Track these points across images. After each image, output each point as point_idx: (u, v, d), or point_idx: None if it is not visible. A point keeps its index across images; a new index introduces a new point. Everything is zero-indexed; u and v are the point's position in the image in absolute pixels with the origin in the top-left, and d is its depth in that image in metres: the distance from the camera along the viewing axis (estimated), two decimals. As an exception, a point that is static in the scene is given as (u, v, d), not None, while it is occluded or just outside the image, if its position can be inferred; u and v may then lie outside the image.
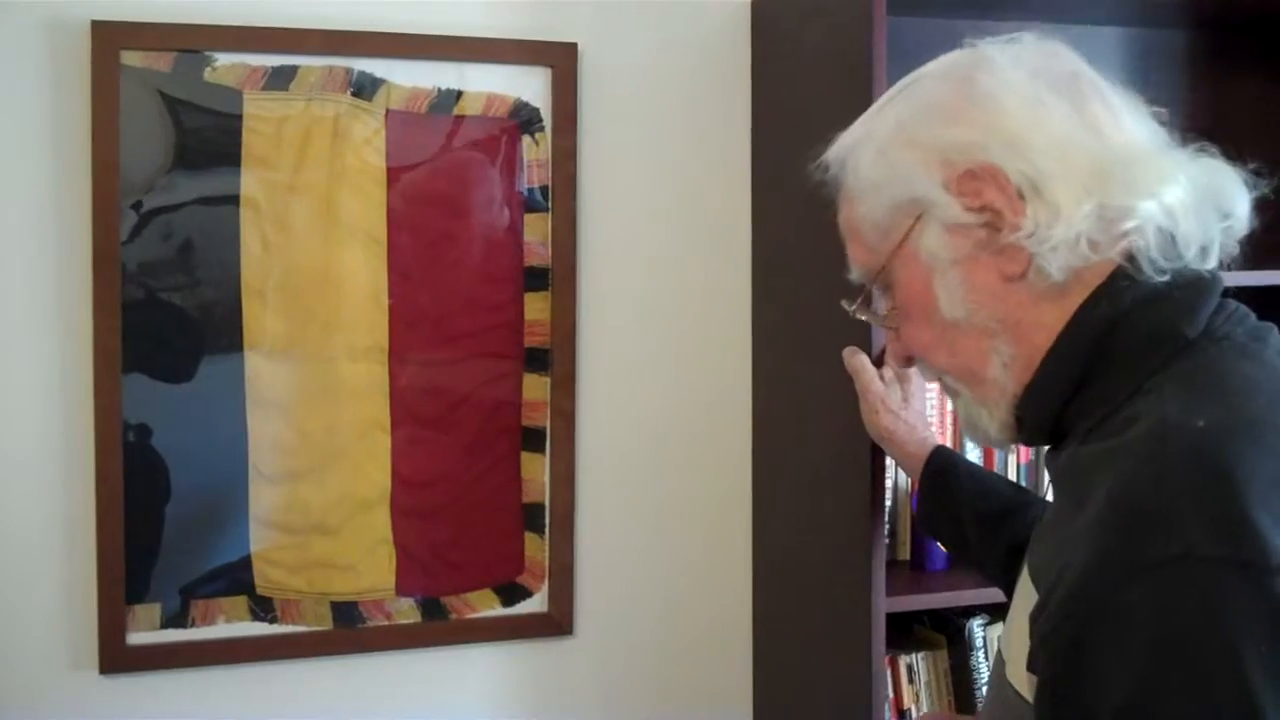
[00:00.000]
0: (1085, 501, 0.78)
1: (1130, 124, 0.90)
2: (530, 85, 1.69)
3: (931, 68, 0.96)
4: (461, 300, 1.68)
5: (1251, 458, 0.73)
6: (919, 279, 0.93)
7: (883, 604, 1.44)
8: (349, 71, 1.62)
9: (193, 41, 1.56)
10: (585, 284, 1.74)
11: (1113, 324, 0.86)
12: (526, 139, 1.69)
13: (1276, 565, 0.69)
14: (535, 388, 1.72)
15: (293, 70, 1.60)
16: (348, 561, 1.67)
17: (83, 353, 1.56)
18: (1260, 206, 0.91)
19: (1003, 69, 0.90)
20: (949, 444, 1.44)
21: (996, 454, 1.67)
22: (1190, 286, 0.86)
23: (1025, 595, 0.86)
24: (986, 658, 1.62)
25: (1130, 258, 0.86)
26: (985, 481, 1.29)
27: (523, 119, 1.69)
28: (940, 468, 1.30)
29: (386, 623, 1.69)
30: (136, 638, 1.60)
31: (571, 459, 1.74)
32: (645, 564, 1.80)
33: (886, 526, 1.53)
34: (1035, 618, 0.79)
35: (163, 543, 1.60)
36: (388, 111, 1.64)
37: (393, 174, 1.65)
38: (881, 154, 0.93)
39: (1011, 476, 1.69)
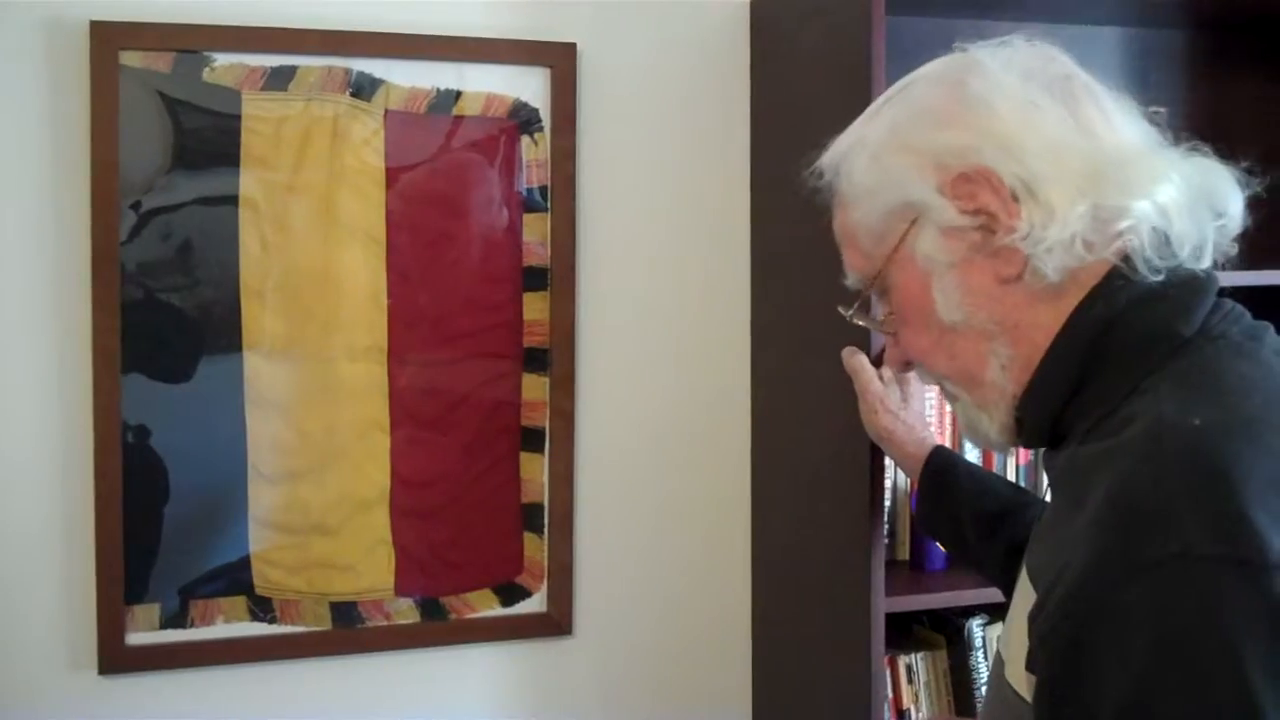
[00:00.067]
0: (1083, 502, 0.78)
1: (1123, 125, 0.90)
2: (529, 85, 1.69)
3: (923, 72, 0.96)
4: (460, 300, 1.68)
5: (1248, 456, 0.73)
6: (915, 283, 0.93)
7: (882, 604, 1.44)
8: (348, 72, 1.62)
9: (192, 42, 1.56)
10: (584, 284, 1.74)
11: (1109, 324, 0.86)
12: (525, 139, 1.69)
13: (1274, 563, 0.69)
14: (534, 388, 1.72)
15: (292, 70, 1.60)
16: (347, 562, 1.67)
17: (82, 353, 1.56)
18: (1255, 206, 0.91)
19: (994, 72, 0.91)
20: (948, 444, 1.44)
21: (996, 454, 1.67)
22: (1185, 286, 0.86)
23: (1024, 595, 0.86)
24: (986, 658, 1.62)
25: (1125, 258, 0.86)
26: (984, 482, 1.29)
27: (522, 119, 1.69)
28: (939, 468, 1.30)
29: (385, 623, 1.69)
30: (135, 638, 1.60)
31: (570, 459, 1.74)
32: (644, 564, 1.80)
33: (886, 526, 1.53)
34: (1034, 618, 0.79)
35: (162, 543, 1.60)
36: (386, 112, 1.64)
37: (392, 174, 1.65)
38: (875, 159, 0.93)
39: (1011, 477, 1.69)
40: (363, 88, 1.63)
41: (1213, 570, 0.70)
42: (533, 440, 1.73)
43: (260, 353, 1.62)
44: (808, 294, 1.59)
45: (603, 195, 1.75)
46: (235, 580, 1.63)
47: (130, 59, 1.55)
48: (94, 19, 1.53)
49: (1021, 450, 1.69)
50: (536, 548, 1.74)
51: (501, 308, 1.70)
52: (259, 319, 1.61)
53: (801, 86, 1.63)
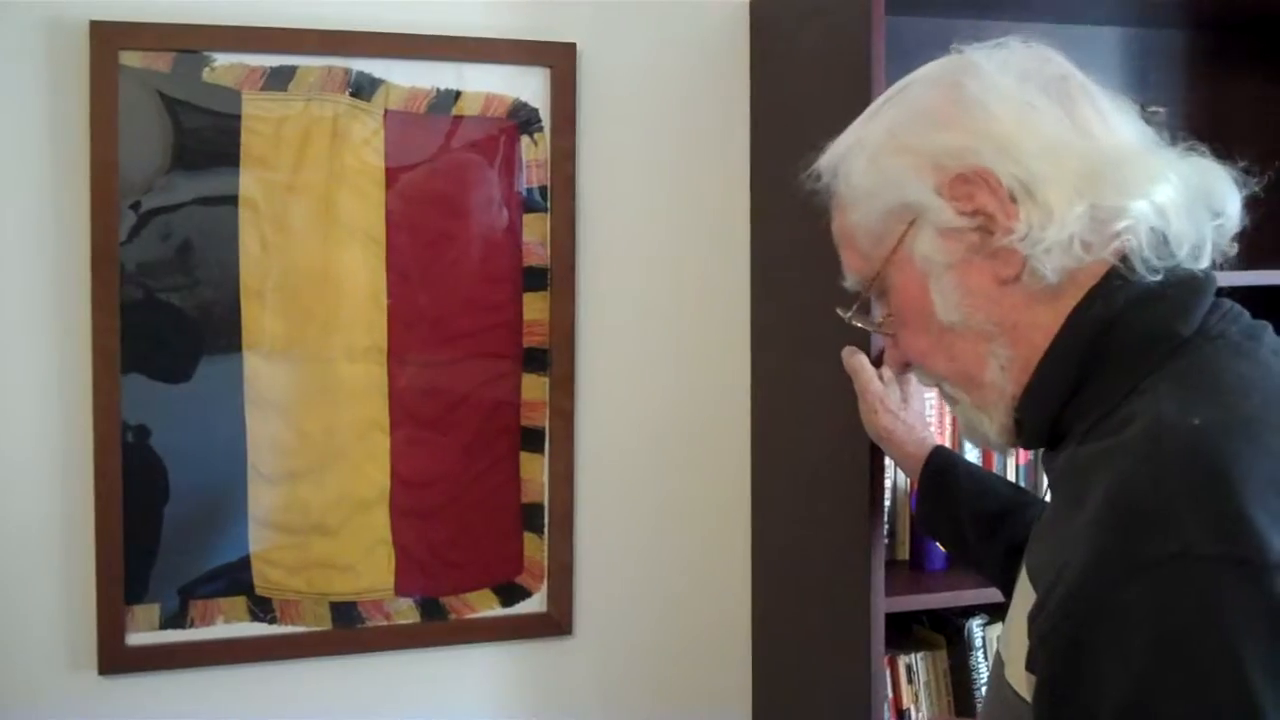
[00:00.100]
0: (1083, 501, 0.78)
1: (1120, 125, 0.91)
2: (529, 85, 1.69)
3: (920, 74, 0.96)
4: (460, 300, 1.68)
5: (1248, 456, 0.73)
6: (914, 284, 0.93)
7: (882, 604, 1.45)
8: (347, 72, 1.62)
9: (191, 42, 1.56)
10: (584, 284, 1.74)
11: (1108, 325, 0.86)
12: (525, 139, 1.69)
13: (1274, 562, 0.70)
14: (534, 388, 1.72)
15: (291, 70, 1.60)
16: (347, 562, 1.67)
17: (81, 353, 1.56)
18: (1253, 205, 0.91)
19: (991, 74, 0.91)
20: (948, 444, 1.44)
21: (995, 454, 1.67)
22: (1184, 285, 0.86)
23: (1024, 595, 0.86)
24: (985, 658, 1.62)
25: (1123, 258, 0.86)
26: (984, 481, 1.29)
27: (521, 119, 1.69)
28: (939, 468, 1.30)
29: (385, 623, 1.69)
30: (135, 638, 1.60)
31: (570, 459, 1.74)
32: (644, 564, 1.80)
33: (885, 526, 1.53)
34: (1034, 617, 0.79)
35: (161, 543, 1.60)
36: (386, 112, 1.64)
37: (391, 174, 1.65)
38: (873, 161, 0.94)
39: (1011, 477, 1.69)
40: (362, 88, 1.63)
41: (1213, 570, 0.70)
42: (532, 440, 1.73)
43: (260, 353, 1.62)
44: (807, 294, 1.59)
45: (602, 195, 1.75)
46: (235, 580, 1.63)
47: (130, 59, 1.55)
48: (94, 19, 1.53)
49: (1021, 450, 1.69)
50: (536, 548, 1.74)
51: (501, 308, 1.70)
52: (259, 319, 1.61)
53: (801, 86, 1.63)
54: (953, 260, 0.90)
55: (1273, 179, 0.94)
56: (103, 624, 1.58)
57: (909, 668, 1.61)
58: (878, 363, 1.37)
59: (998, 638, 1.61)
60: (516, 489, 1.73)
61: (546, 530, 1.74)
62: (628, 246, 1.77)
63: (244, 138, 1.59)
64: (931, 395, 1.56)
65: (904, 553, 1.68)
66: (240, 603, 1.64)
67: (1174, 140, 0.92)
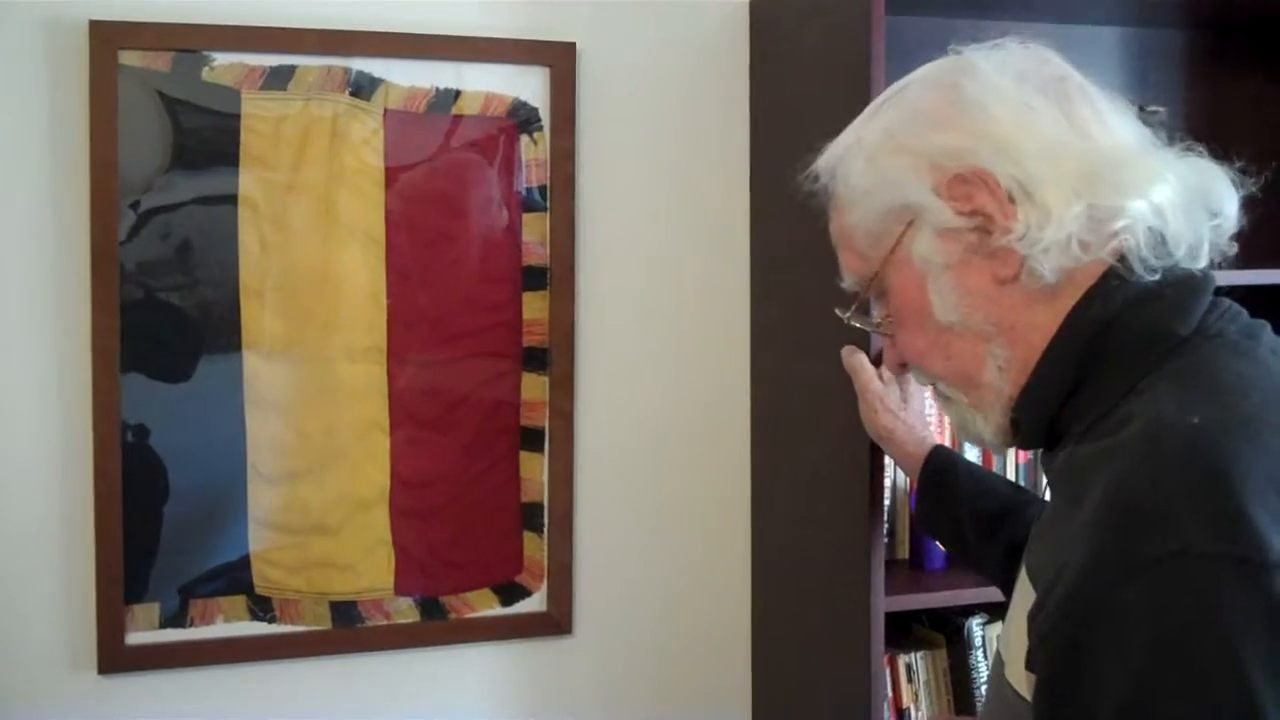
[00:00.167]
0: (1082, 501, 0.78)
1: (1118, 125, 0.91)
2: (528, 85, 1.69)
3: (918, 75, 0.97)
4: (460, 300, 1.68)
5: (1247, 455, 0.73)
6: (912, 284, 0.93)
7: (881, 603, 1.45)
8: (347, 71, 1.62)
9: (191, 41, 1.56)
10: (584, 283, 1.74)
11: (1106, 324, 0.86)
12: (525, 138, 1.69)
13: (1273, 561, 0.70)
14: (534, 387, 1.72)
15: (291, 70, 1.60)
16: (346, 561, 1.67)
17: (81, 352, 1.56)
18: (1252, 205, 0.91)
19: (989, 74, 0.91)
20: (948, 443, 1.44)
21: (995, 454, 1.67)
22: (1182, 285, 0.86)
23: (1023, 595, 0.86)
24: (985, 657, 1.62)
25: (1121, 258, 0.86)
26: (984, 481, 1.29)
27: (521, 119, 1.69)
28: (939, 467, 1.30)
29: (385, 622, 1.69)
30: (135, 637, 1.60)
31: (570, 458, 1.74)
32: (644, 563, 1.80)
33: (885, 526, 1.53)
34: (1033, 617, 0.79)
35: (161, 543, 1.60)
36: (386, 111, 1.64)
37: (391, 174, 1.65)
38: (871, 161, 0.94)
39: (1010, 476, 1.69)
40: (362, 87, 1.63)
41: (1212, 568, 0.70)
42: (532, 440, 1.73)
43: (260, 352, 1.62)
44: (807, 294, 1.59)
45: (602, 195, 1.75)
46: (235, 580, 1.63)
47: (129, 58, 1.55)
48: (93, 18, 1.53)
49: (1020, 449, 1.69)
50: (536, 547, 1.74)
51: (501, 307, 1.70)
52: (258, 319, 1.61)
53: (801, 86, 1.63)
54: (951, 260, 0.91)
55: (1270, 179, 0.94)
56: (102, 623, 1.58)
57: (909, 667, 1.61)
58: (877, 362, 1.37)
59: (997, 637, 1.61)
60: (516, 489, 1.73)
61: (546, 530, 1.74)
62: (627, 246, 1.77)
63: (243, 137, 1.59)
64: (931, 395, 1.57)
65: (904, 552, 1.68)
66: (240, 602, 1.64)
67: (1172, 140, 0.92)
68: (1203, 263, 0.88)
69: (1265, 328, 0.88)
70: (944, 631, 1.66)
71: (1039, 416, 0.91)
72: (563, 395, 1.72)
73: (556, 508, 1.74)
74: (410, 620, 1.70)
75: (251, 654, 1.64)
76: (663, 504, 1.81)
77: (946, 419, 1.63)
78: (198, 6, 1.57)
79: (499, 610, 1.74)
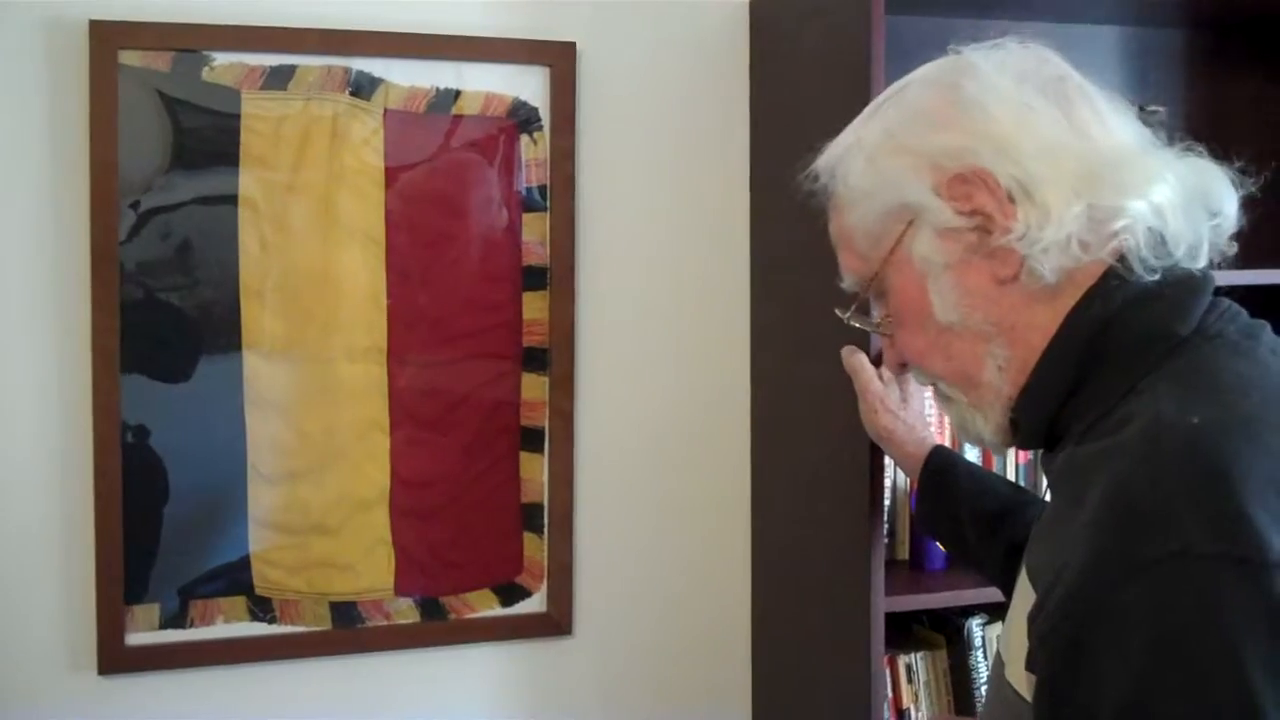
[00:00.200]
0: (1082, 501, 0.78)
1: (1117, 126, 0.91)
2: (528, 85, 1.68)
3: (917, 75, 0.97)
4: (460, 300, 1.68)
5: (1247, 455, 0.73)
6: (912, 284, 0.93)
7: (882, 604, 1.44)
8: (347, 71, 1.62)
9: (191, 41, 1.56)
10: (584, 284, 1.74)
11: (1105, 324, 0.86)
12: (525, 138, 1.69)
13: (1273, 561, 0.69)
14: (534, 388, 1.72)
15: (291, 70, 1.60)
16: (346, 562, 1.67)
17: (81, 353, 1.56)
18: (1251, 205, 0.91)
19: (988, 74, 0.91)
20: (947, 444, 1.44)
21: (995, 454, 1.67)
22: (1181, 285, 0.86)
23: (1023, 595, 0.86)
24: (985, 657, 1.62)
25: (1121, 258, 0.86)
26: (984, 481, 1.29)
27: (521, 118, 1.69)
28: (939, 467, 1.30)
29: (385, 623, 1.69)
30: (135, 638, 1.60)
31: (570, 459, 1.74)
32: (644, 564, 1.80)
33: (885, 526, 1.53)
34: (1033, 618, 0.79)
35: (161, 543, 1.60)
36: (386, 111, 1.64)
37: (391, 174, 1.65)
38: (871, 161, 0.94)
39: (1010, 476, 1.69)
40: (362, 87, 1.63)
41: (1212, 569, 0.70)
42: (532, 440, 1.73)
43: (260, 353, 1.62)
44: (807, 294, 1.59)
45: (602, 195, 1.75)
46: (235, 580, 1.63)
47: (129, 58, 1.55)
48: (93, 18, 1.53)
49: (1020, 449, 1.69)
50: (536, 548, 1.74)
51: (501, 308, 1.70)
52: (258, 319, 1.61)
53: (801, 86, 1.63)
54: (951, 260, 0.90)
55: (1270, 179, 0.94)
56: (102, 624, 1.58)
57: (909, 667, 1.61)
58: (877, 363, 1.37)
59: (997, 637, 1.61)
60: (516, 489, 1.73)
61: (546, 530, 1.74)
62: (627, 246, 1.77)
63: (243, 137, 1.59)
64: (931, 395, 1.57)
65: (904, 552, 1.68)
66: (240, 603, 1.64)
67: (1171, 140, 0.92)
68: (1202, 263, 0.88)
69: (1265, 328, 0.88)
70: (944, 632, 1.65)
71: (1039, 416, 0.91)
72: (563, 395, 1.72)
73: (556, 508, 1.74)
74: (410, 621, 1.70)
75: (251, 655, 1.64)
76: (663, 504, 1.80)
77: (946, 419, 1.63)
78: (198, 6, 1.57)
79: (499, 611, 1.74)
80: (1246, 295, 0.98)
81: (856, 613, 1.46)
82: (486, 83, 1.67)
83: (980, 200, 0.88)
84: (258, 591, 1.64)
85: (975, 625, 1.63)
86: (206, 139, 1.58)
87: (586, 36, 1.71)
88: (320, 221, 1.62)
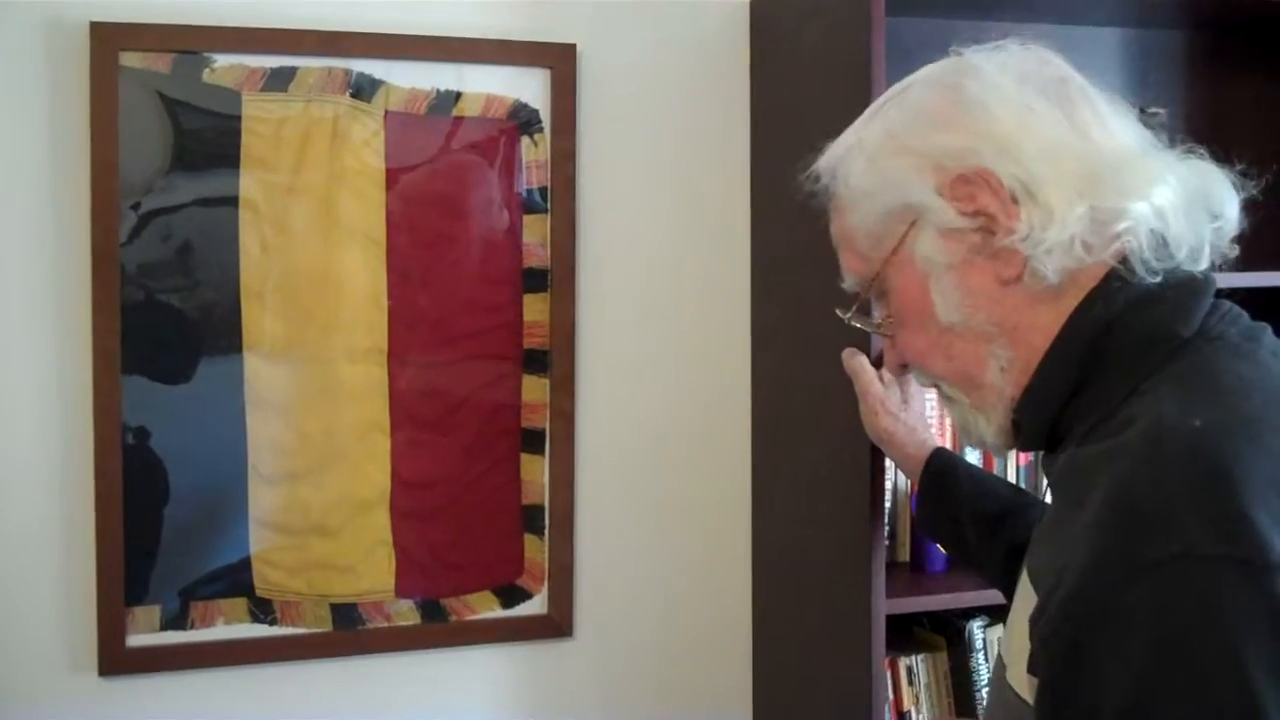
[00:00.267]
0: (1083, 503, 0.78)
1: (1118, 128, 0.91)
2: (529, 86, 1.68)
3: (918, 76, 0.97)
4: (460, 302, 1.68)
5: (1249, 456, 0.73)
6: (914, 285, 0.93)
7: (882, 606, 1.44)
8: (348, 73, 1.62)
9: (191, 43, 1.56)
10: (584, 285, 1.74)
11: (1108, 326, 0.86)
12: (525, 140, 1.69)
13: (1275, 563, 0.69)
14: (534, 389, 1.72)
15: (291, 71, 1.60)
16: (347, 563, 1.67)
17: (82, 354, 1.56)
18: (1253, 208, 0.91)
19: (990, 75, 0.91)
20: (948, 446, 1.44)
21: (996, 456, 1.67)
22: (1183, 287, 0.86)
23: (1025, 598, 0.86)
24: (986, 659, 1.62)
25: (1123, 259, 0.86)
26: (985, 483, 1.29)
27: (521, 120, 1.69)
28: (940, 469, 1.30)
29: (386, 624, 1.69)
30: (136, 639, 1.60)
31: (571, 460, 1.73)
32: (645, 565, 1.80)
33: (886, 528, 1.53)
34: (1035, 620, 0.79)
35: (162, 544, 1.60)
36: (386, 113, 1.64)
37: (392, 175, 1.65)
38: (872, 162, 0.94)
39: (1011, 478, 1.69)
40: (362, 89, 1.63)
41: (1214, 570, 0.70)
42: (533, 442, 1.73)
43: (260, 354, 1.61)
44: (808, 295, 1.59)
45: (603, 196, 1.75)
46: (236, 582, 1.63)
47: (130, 60, 1.55)
48: (94, 20, 1.53)
49: (1021, 451, 1.69)
50: (537, 549, 1.74)
51: (501, 309, 1.70)
52: (259, 320, 1.61)
53: (801, 87, 1.63)
54: (954, 261, 0.90)
55: (1271, 181, 0.94)
56: (103, 625, 1.58)
57: (910, 669, 1.61)
58: (878, 365, 1.37)
59: (998, 640, 1.61)
60: (517, 491, 1.73)
61: (547, 532, 1.74)
62: (628, 247, 1.77)
63: (244, 139, 1.59)
64: (932, 397, 1.56)
65: (905, 554, 1.68)
66: (241, 604, 1.64)
67: (1173, 142, 0.92)
68: (1204, 265, 0.88)
69: (1266, 330, 0.88)
70: (945, 634, 1.65)
71: (1041, 417, 0.91)
72: (563, 397, 1.72)
73: (557, 510, 1.74)
74: (411, 622, 1.70)
75: (252, 656, 1.64)
76: (663, 505, 1.80)
77: (947, 421, 1.64)
78: (198, 8, 1.57)
79: (500, 613, 1.73)
80: (1247, 298, 0.98)
81: (857, 614, 1.46)
82: (487, 84, 1.67)
83: (983, 201, 0.88)
84: (258, 593, 1.64)
85: (976, 627, 1.63)
86: (207, 140, 1.58)
87: (587, 38, 1.71)
88: (321, 223, 1.62)
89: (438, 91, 1.65)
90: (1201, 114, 1.85)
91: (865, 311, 1.02)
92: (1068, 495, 0.85)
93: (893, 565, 1.61)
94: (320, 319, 1.63)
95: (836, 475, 1.52)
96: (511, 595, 1.74)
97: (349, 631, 1.68)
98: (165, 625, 1.61)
